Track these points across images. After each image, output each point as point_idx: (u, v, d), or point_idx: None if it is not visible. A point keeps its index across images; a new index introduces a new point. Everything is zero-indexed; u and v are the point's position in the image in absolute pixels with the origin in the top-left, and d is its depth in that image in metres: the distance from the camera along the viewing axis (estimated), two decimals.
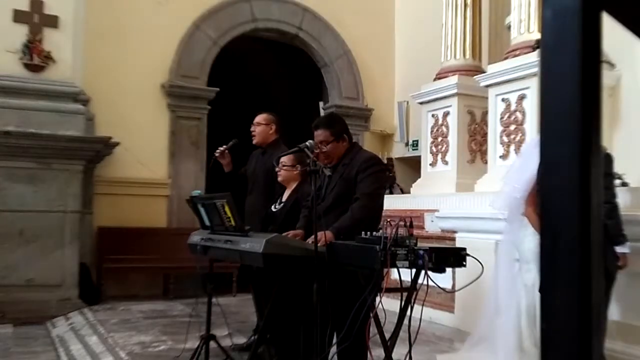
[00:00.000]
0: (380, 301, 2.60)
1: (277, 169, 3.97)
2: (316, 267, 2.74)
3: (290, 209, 3.82)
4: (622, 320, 3.79)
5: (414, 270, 2.69)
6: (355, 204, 3.12)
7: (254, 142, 4.52)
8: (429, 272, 2.58)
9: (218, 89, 7.90)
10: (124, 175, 7.23)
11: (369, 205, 3.13)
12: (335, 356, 2.93)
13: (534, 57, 5.02)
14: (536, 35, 5.21)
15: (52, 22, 6.24)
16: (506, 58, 5.58)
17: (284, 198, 3.99)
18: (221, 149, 4.34)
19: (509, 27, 6.16)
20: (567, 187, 0.46)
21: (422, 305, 2.71)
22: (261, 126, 4.49)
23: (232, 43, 8.27)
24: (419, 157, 7.22)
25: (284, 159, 3.94)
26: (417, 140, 8.25)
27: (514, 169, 4.04)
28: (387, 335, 2.87)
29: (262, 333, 3.53)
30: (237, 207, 3.17)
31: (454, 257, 2.70)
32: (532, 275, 3.53)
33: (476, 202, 5.36)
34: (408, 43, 9.01)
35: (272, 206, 4.02)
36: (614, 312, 3.68)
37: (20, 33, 6.12)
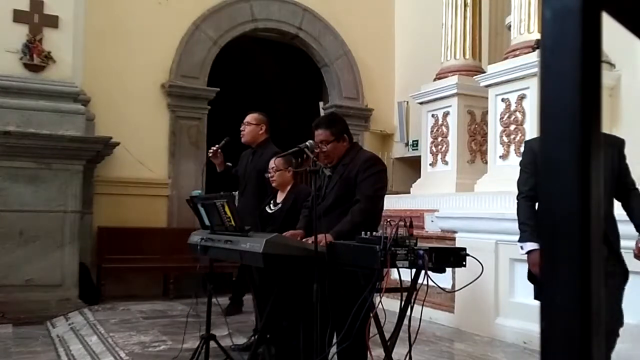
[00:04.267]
0: (380, 301, 2.60)
1: (269, 175, 3.97)
2: (316, 267, 2.74)
3: (289, 209, 3.82)
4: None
5: (414, 270, 2.69)
6: (356, 206, 3.10)
7: (243, 140, 4.55)
8: (429, 272, 2.59)
9: (218, 89, 7.90)
10: (124, 175, 7.23)
11: (369, 207, 3.12)
12: (335, 356, 2.93)
13: (534, 57, 5.02)
14: (536, 35, 5.21)
15: (52, 22, 6.24)
16: (506, 58, 5.58)
17: (279, 199, 3.98)
18: (214, 148, 4.36)
19: (509, 27, 6.16)
20: (567, 187, 0.46)
21: (422, 305, 2.71)
22: (251, 126, 4.52)
23: (232, 43, 8.27)
24: (419, 157, 7.22)
25: (275, 163, 3.94)
26: (417, 140, 8.25)
27: None
28: (387, 335, 2.87)
29: (262, 333, 3.53)
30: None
31: (454, 257, 2.71)
32: None
33: (476, 202, 5.37)
34: (408, 43, 9.01)
35: (267, 207, 4.01)
36: None
37: (20, 33, 6.12)
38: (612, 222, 2.97)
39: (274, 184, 3.99)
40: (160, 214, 7.44)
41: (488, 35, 7.45)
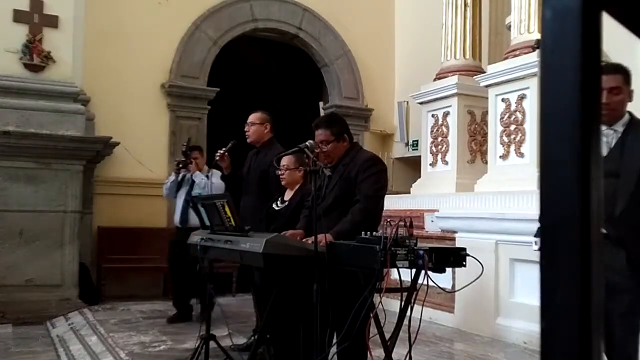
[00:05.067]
0: (380, 301, 2.60)
1: (279, 172, 3.95)
2: (316, 267, 2.74)
3: (295, 209, 3.81)
4: None
5: (414, 270, 2.69)
6: (356, 206, 3.10)
7: (249, 141, 4.52)
8: (429, 272, 2.58)
9: (218, 89, 7.90)
10: (124, 175, 7.23)
11: (369, 207, 3.12)
12: (335, 356, 2.93)
13: (534, 57, 5.02)
14: (536, 35, 5.21)
15: (52, 22, 6.24)
16: (506, 58, 5.58)
17: (286, 197, 3.98)
18: (221, 152, 4.33)
19: (509, 27, 6.16)
20: (567, 187, 0.46)
21: (422, 305, 2.71)
22: (255, 126, 4.48)
23: (232, 43, 8.27)
24: (419, 157, 7.22)
25: (286, 162, 3.93)
26: (417, 140, 8.26)
27: None
28: (387, 335, 2.87)
29: (262, 333, 3.53)
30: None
31: (454, 257, 2.71)
32: None
33: (476, 202, 5.36)
34: (408, 43, 9.01)
35: (274, 204, 4.01)
36: None
37: (20, 33, 6.12)
38: (636, 226, 2.51)
39: (283, 182, 3.99)
40: (160, 214, 7.44)
41: (488, 35, 7.45)
